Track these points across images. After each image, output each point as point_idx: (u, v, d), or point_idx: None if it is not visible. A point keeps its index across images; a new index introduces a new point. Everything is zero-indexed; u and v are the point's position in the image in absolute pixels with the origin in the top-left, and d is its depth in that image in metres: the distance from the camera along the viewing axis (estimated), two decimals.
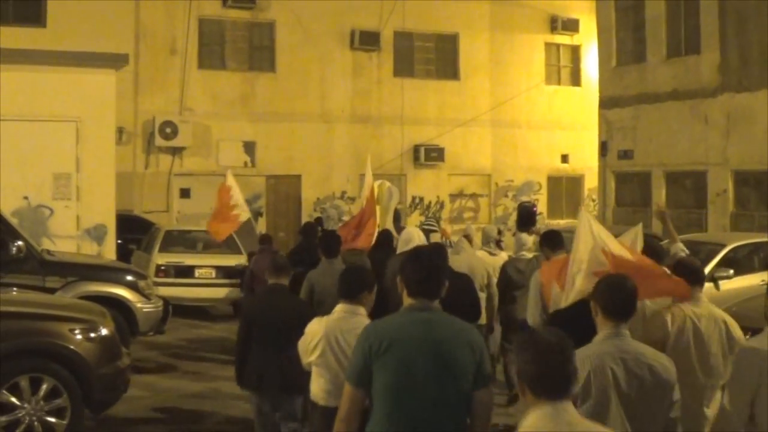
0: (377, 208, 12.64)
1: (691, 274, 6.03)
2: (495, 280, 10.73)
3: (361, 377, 4.60)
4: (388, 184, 14.00)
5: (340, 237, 9.85)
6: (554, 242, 8.37)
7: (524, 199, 28.98)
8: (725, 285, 13.68)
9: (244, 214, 15.27)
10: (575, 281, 6.25)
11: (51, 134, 16.05)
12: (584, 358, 4.54)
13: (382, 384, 4.54)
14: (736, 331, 5.94)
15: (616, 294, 4.79)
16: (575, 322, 5.07)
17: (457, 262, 9.62)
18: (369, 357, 4.57)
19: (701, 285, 6.05)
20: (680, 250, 8.02)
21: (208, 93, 26.53)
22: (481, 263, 10.72)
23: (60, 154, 16.12)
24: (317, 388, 6.18)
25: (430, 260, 4.83)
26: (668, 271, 6.29)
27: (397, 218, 15.12)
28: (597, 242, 6.13)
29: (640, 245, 6.98)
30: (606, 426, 4.05)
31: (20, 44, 18.21)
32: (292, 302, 7.74)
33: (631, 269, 5.70)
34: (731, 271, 14.09)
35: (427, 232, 11.43)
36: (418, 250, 5.20)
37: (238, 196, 15.34)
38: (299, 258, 10.57)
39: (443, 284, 4.75)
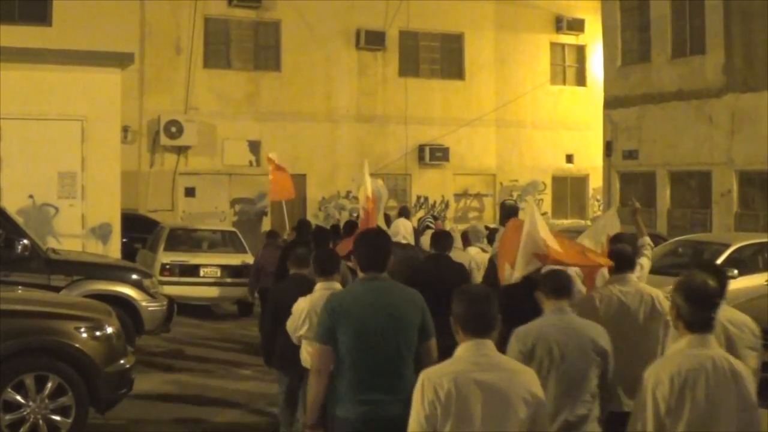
0: None
1: (623, 261, 6.99)
2: (479, 273, 10.91)
3: (328, 336, 5.57)
4: (380, 182, 14.18)
5: (329, 231, 10.83)
6: None
7: (528, 198, 28.99)
8: (729, 285, 13.64)
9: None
10: (520, 261, 7.39)
11: (56, 133, 16.07)
12: (530, 329, 5.82)
13: (345, 341, 5.51)
14: (663, 304, 6.72)
15: (554, 279, 6.11)
16: (522, 296, 6.67)
17: None
18: (333, 319, 5.56)
19: (632, 269, 7.08)
20: (647, 243, 8.76)
21: (213, 92, 26.56)
22: (464, 258, 10.89)
23: (65, 152, 16.14)
24: (307, 354, 7.28)
25: (375, 242, 5.93)
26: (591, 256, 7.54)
27: (406, 214, 15.95)
28: (537, 229, 7.30)
29: (615, 227, 8.09)
30: (546, 385, 5.34)
31: (26, 43, 18.23)
32: (311, 290, 8.11)
33: (563, 257, 7.25)
34: (735, 271, 14.06)
35: (425, 228, 11.72)
36: (363, 235, 6.25)
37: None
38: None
39: (388, 259, 5.80)
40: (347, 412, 5.51)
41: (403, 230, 10.81)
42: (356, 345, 5.50)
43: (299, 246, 9.81)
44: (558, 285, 6.01)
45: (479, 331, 4.43)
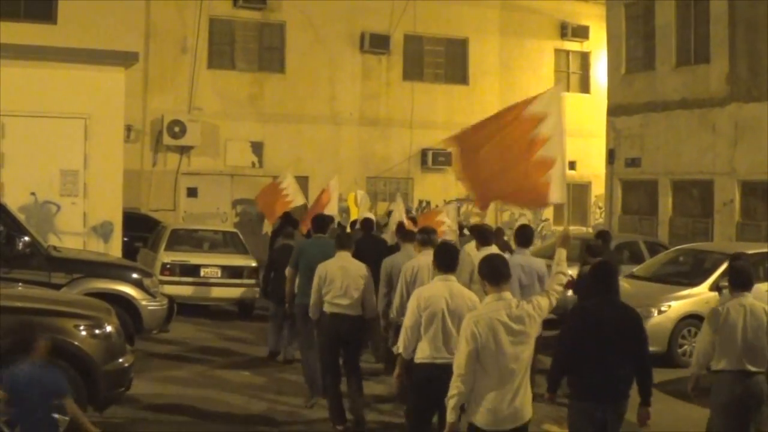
0: (356, 210, 20.92)
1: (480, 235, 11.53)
2: None
3: (294, 264, 11.31)
4: (361, 192, 22.09)
5: (298, 221, 17.56)
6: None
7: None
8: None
9: (298, 199, 20.05)
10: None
11: (59, 131, 16.08)
12: (390, 259, 11.21)
13: (302, 266, 11.11)
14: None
15: (401, 231, 11.79)
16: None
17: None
18: (297, 256, 11.30)
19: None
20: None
21: (217, 93, 26.57)
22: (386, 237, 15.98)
23: (68, 150, 16.16)
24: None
25: (322, 219, 11.99)
26: None
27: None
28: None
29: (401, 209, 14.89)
30: (397, 285, 10.05)
31: (31, 41, 18.22)
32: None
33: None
34: None
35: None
36: (315, 216, 12.34)
37: (291, 187, 20.19)
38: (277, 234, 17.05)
39: (328, 226, 12.01)
40: (303, 301, 10.77)
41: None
42: (306, 267, 10.85)
43: (281, 229, 15.13)
44: (404, 234, 11.58)
45: (341, 247, 10.30)
